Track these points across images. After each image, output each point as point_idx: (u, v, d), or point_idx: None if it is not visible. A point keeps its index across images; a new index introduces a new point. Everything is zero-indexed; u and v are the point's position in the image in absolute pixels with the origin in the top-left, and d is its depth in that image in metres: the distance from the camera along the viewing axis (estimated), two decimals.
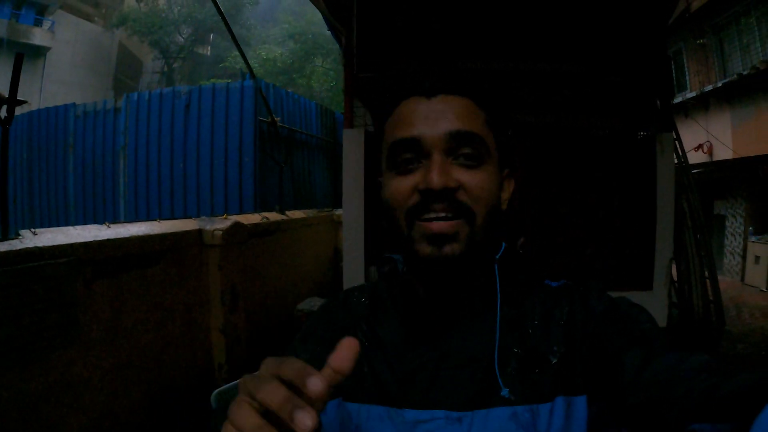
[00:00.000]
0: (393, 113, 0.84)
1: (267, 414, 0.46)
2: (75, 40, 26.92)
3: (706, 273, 5.38)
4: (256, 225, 4.68)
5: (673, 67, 12.03)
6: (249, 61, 6.20)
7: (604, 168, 3.31)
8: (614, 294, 0.85)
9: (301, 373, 0.46)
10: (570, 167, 3.30)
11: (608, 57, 3.26)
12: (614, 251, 3.31)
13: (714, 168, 11.71)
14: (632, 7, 3.22)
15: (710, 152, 11.32)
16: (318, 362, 0.87)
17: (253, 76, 6.93)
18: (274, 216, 5.46)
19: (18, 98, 2.78)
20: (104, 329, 2.91)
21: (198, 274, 3.73)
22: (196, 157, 7.74)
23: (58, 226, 4.25)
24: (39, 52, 24.61)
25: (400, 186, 0.79)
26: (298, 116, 8.63)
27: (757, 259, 11.08)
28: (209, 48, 34.14)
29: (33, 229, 2.78)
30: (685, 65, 12.41)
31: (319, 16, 4.07)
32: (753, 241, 11.32)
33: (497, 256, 0.86)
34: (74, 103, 9.06)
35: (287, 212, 6.02)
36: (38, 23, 24.80)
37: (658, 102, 3.42)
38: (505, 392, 0.75)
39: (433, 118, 0.78)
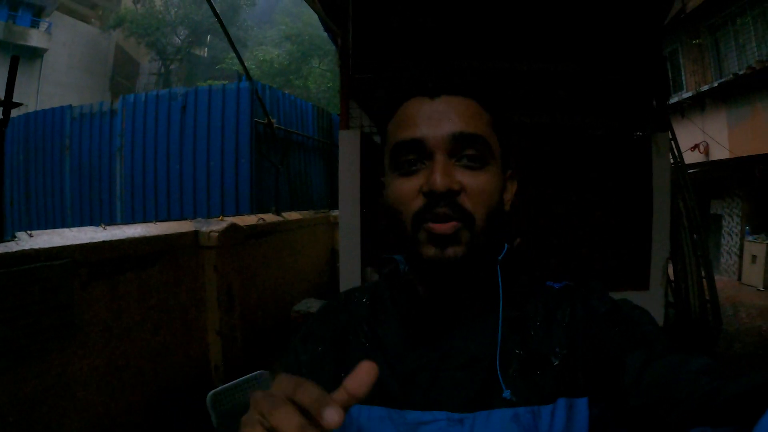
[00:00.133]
0: (395, 114, 0.83)
1: None
2: (72, 42, 26.86)
3: (703, 272, 5.38)
4: (252, 226, 4.68)
5: (669, 67, 12.05)
6: (246, 63, 6.21)
7: (600, 168, 3.31)
8: (611, 294, 0.85)
9: (318, 402, 0.45)
10: (566, 167, 3.31)
11: (604, 57, 3.27)
12: (610, 251, 3.31)
13: (710, 168, 11.73)
14: (628, 7, 3.23)
15: (706, 152, 11.34)
16: (318, 362, 0.87)
17: (249, 77, 6.93)
18: (270, 217, 5.46)
19: (14, 100, 2.77)
20: (100, 330, 2.91)
21: (194, 275, 3.73)
22: (193, 158, 7.74)
23: (54, 227, 4.25)
24: (36, 53, 24.54)
25: (404, 188, 0.78)
26: (294, 118, 8.64)
27: (753, 258, 11.08)
28: (206, 49, 34.10)
29: (29, 231, 2.78)
30: (681, 65, 12.42)
31: (316, 17, 4.07)
32: (750, 241, 11.32)
33: (499, 258, 0.85)
34: (71, 105, 9.07)
35: (283, 213, 6.02)
36: (35, 25, 24.72)
37: (654, 102, 3.43)
38: (506, 394, 0.74)
39: (437, 119, 0.77)
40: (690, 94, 11.67)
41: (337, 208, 3.79)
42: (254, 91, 7.18)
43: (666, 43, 11.51)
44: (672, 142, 4.81)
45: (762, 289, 10.59)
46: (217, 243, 3.78)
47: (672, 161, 4.74)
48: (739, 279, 11.69)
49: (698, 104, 11.55)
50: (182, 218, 6.16)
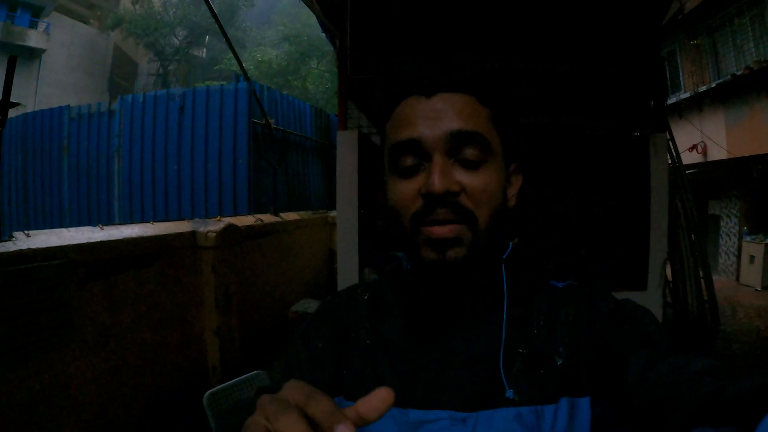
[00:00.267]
0: (392, 114, 0.81)
1: None
2: (70, 42, 26.82)
3: (701, 273, 5.39)
4: (249, 227, 4.68)
5: (667, 67, 12.06)
6: (244, 64, 6.21)
7: (598, 168, 3.32)
8: None
9: (330, 417, 0.42)
10: (564, 168, 3.31)
11: (602, 57, 3.27)
12: (608, 251, 3.31)
13: (708, 168, 11.74)
14: (626, 8, 3.23)
15: (704, 152, 11.35)
16: (317, 358, 0.87)
17: (247, 78, 6.92)
18: (268, 218, 5.46)
19: (12, 100, 2.77)
20: (98, 330, 2.91)
21: (192, 275, 3.73)
22: (190, 159, 7.74)
23: (52, 228, 4.24)
24: (34, 54, 24.49)
25: (404, 190, 0.77)
26: (292, 118, 8.63)
27: (751, 258, 11.09)
28: (204, 50, 34.08)
29: (26, 231, 2.78)
30: (679, 66, 12.43)
31: (314, 18, 4.07)
32: (747, 241, 11.32)
33: (504, 256, 0.85)
34: (69, 106, 9.06)
35: (281, 214, 6.02)
36: (33, 25, 24.67)
37: (652, 103, 3.43)
38: (509, 393, 0.73)
39: (433, 117, 0.75)
40: (688, 94, 11.68)
41: (334, 208, 3.78)
42: (252, 91, 7.19)
43: (664, 44, 11.52)
44: (670, 142, 4.82)
45: (760, 289, 10.60)
46: (215, 243, 3.78)
47: (670, 162, 4.75)
48: (737, 279, 11.70)
49: (696, 105, 11.56)
50: (180, 218, 6.16)
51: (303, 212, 7.15)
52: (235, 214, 6.91)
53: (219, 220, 4.21)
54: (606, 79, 3.31)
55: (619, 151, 3.35)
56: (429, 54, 3.04)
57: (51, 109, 9.25)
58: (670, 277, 5.14)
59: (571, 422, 0.72)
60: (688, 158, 10.66)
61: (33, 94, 23.67)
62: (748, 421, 0.48)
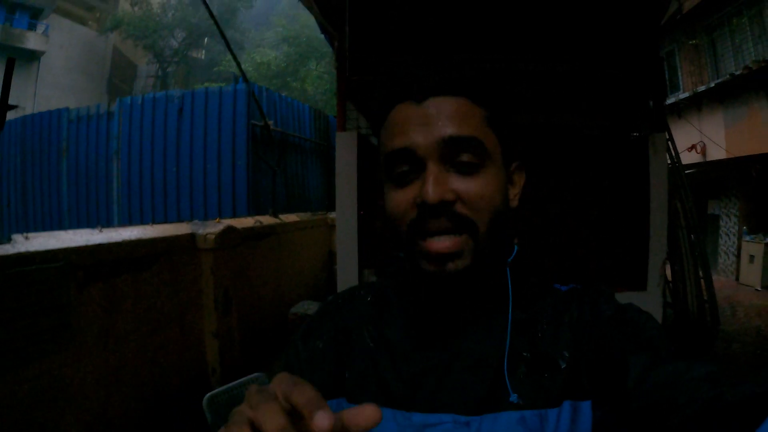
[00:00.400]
0: (385, 121, 0.80)
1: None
2: (69, 44, 26.80)
3: (701, 273, 5.39)
4: (249, 229, 4.68)
5: (665, 67, 12.07)
6: (243, 65, 6.21)
7: (596, 168, 3.32)
8: None
9: (311, 403, 0.43)
10: (562, 167, 3.31)
11: (601, 57, 3.27)
12: (607, 252, 3.31)
13: (707, 168, 11.75)
14: (625, 8, 3.23)
15: (703, 152, 11.35)
16: (317, 358, 0.86)
17: (245, 79, 6.93)
18: (267, 219, 5.45)
19: (10, 103, 2.77)
20: (97, 333, 2.90)
21: (191, 278, 3.72)
22: (189, 161, 7.74)
23: (51, 230, 4.24)
24: (33, 56, 24.49)
25: (399, 199, 0.75)
26: (291, 120, 8.63)
27: (751, 258, 11.09)
28: (203, 52, 34.08)
29: (25, 234, 2.77)
30: (678, 66, 12.44)
31: (313, 20, 4.06)
32: (747, 241, 11.33)
33: (509, 260, 0.84)
34: (68, 108, 9.06)
35: (281, 215, 6.02)
36: (32, 27, 24.68)
37: (651, 102, 3.43)
38: (513, 397, 0.73)
39: (426, 124, 0.73)
40: (687, 94, 11.69)
41: (334, 210, 3.78)
42: (251, 93, 7.19)
43: (663, 44, 11.53)
44: (669, 142, 4.82)
45: (760, 288, 10.60)
46: (214, 245, 3.78)
47: (669, 161, 4.74)
48: (737, 279, 11.70)
49: (695, 104, 11.57)
50: (179, 220, 6.15)
51: (302, 214, 7.14)
52: (235, 215, 6.91)
53: (218, 222, 4.21)
54: (605, 79, 3.31)
55: (619, 151, 3.35)
56: (428, 55, 3.04)
57: (50, 111, 9.25)
58: (669, 277, 5.14)
59: (573, 425, 0.72)
60: (688, 158, 10.66)
61: (32, 97, 23.67)
62: (745, 429, 0.48)
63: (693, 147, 11.36)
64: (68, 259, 2.69)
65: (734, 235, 12.09)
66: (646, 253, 3.27)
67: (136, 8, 28.74)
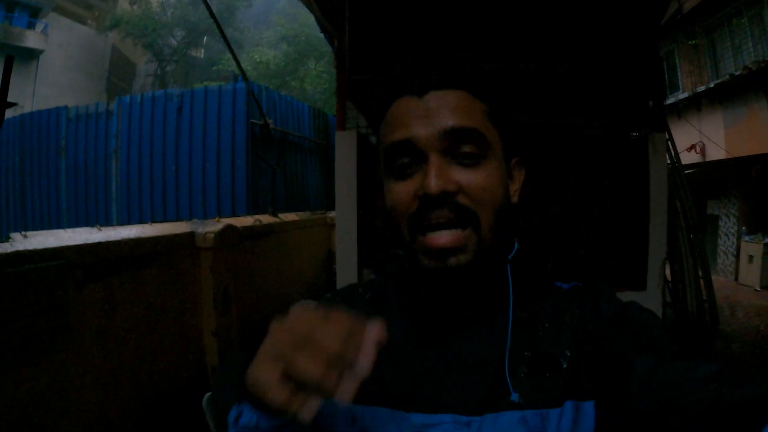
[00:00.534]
0: (386, 115, 0.79)
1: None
2: (68, 43, 26.78)
3: (700, 273, 5.40)
4: (248, 228, 4.66)
5: (665, 67, 12.09)
6: (242, 64, 6.20)
7: (596, 168, 3.31)
8: None
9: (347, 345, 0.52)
10: (562, 167, 3.30)
11: (601, 57, 3.26)
12: (607, 252, 3.31)
13: (707, 168, 11.77)
14: (624, 8, 3.22)
15: (703, 152, 11.37)
16: None
17: (245, 78, 6.92)
18: (266, 218, 5.44)
19: (9, 101, 2.76)
20: (96, 333, 2.89)
21: (190, 277, 3.71)
22: (189, 159, 7.71)
23: (50, 229, 4.23)
24: (32, 54, 24.46)
25: (400, 193, 0.75)
26: (290, 119, 8.61)
27: (750, 258, 11.11)
28: (203, 50, 34.06)
29: (24, 232, 2.76)
30: (678, 66, 12.45)
31: (313, 18, 4.05)
32: (746, 241, 11.34)
33: (510, 257, 0.83)
34: (66, 106, 9.02)
35: (280, 215, 6.00)
36: (31, 26, 24.66)
37: (651, 102, 3.43)
38: (514, 397, 0.72)
39: (427, 116, 0.73)
40: (686, 94, 11.72)
41: (333, 209, 3.78)
42: (250, 92, 7.18)
43: (662, 44, 11.53)
44: (669, 142, 4.82)
45: (759, 288, 10.62)
46: (213, 244, 3.77)
47: (669, 162, 4.75)
48: (736, 279, 11.73)
49: (695, 105, 11.59)
50: (178, 219, 6.13)
51: (302, 213, 7.13)
52: (234, 214, 6.90)
53: (217, 221, 4.20)
54: (605, 79, 3.31)
55: (618, 151, 3.35)
56: (428, 54, 3.04)
57: (48, 110, 9.21)
58: (669, 277, 5.15)
59: (575, 426, 0.71)
60: (687, 158, 10.68)
61: (30, 95, 23.65)
62: (750, 429, 0.48)
63: (692, 147, 11.38)
64: (67, 257, 2.68)
65: (733, 235, 12.11)
66: (646, 253, 3.26)
67: (135, 7, 28.74)
